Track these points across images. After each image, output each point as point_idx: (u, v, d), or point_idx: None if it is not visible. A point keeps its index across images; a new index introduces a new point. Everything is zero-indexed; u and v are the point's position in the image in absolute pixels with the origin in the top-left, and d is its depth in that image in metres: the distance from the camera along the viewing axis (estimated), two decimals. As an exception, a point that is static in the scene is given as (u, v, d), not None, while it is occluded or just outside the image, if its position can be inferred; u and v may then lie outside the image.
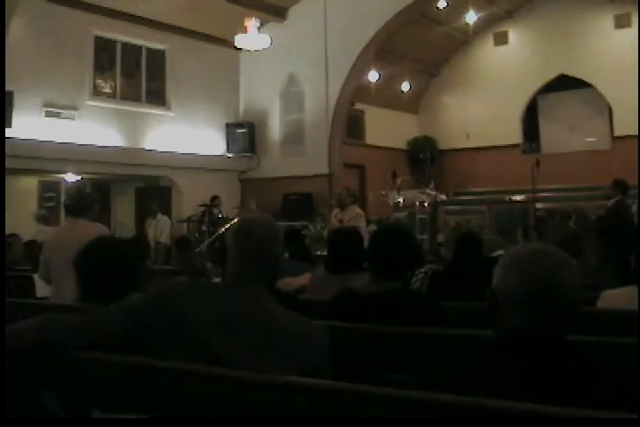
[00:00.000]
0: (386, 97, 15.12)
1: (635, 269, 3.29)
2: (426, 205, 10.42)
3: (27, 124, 10.29)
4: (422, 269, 4.24)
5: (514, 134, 15.73)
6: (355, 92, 13.52)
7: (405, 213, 11.06)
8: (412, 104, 16.52)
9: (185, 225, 12.55)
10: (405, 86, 15.71)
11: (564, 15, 14.63)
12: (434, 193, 10.36)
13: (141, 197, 13.30)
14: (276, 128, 13.83)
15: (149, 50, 12.77)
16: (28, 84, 10.30)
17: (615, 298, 3.05)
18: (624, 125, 14.03)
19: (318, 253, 6.60)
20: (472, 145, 15.46)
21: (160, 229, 11.45)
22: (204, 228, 11.67)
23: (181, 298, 1.86)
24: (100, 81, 12.05)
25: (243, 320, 1.80)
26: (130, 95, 12.48)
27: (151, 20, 12.18)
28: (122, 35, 12.10)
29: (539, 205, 11.22)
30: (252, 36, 11.50)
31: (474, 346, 1.92)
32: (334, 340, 1.93)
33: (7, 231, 6.39)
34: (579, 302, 1.50)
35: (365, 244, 3.12)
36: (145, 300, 1.93)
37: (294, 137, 13.59)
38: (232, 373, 1.60)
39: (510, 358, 1.45)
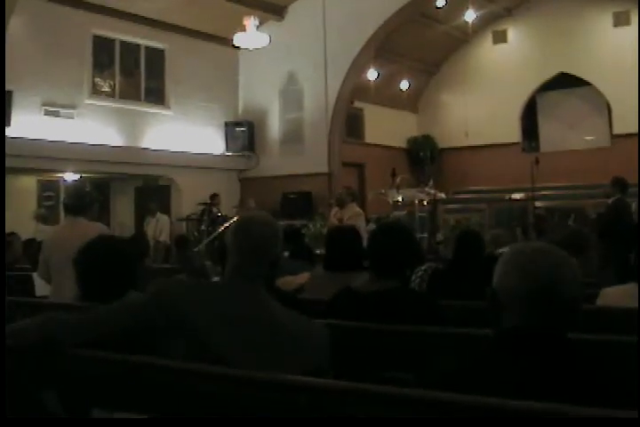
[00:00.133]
0: (385, 95, 15.11)
1: (634, 267, 3.29)
2: (425, 203, 10.41)
3: (26, 123, 10.29)
4: (422, 268, 4.24)
5: (513, 133, 15.71)
6: (354, 91, 13.52)
7: (405, 212, 11.07)
8: (411, 103, 16.51)
9: (184, 224, 12.56)
10: (405, 85, 15.69)
11: (563, 13, 14.61)
12: (433, 191, 10.34)
13: (140, 195, 13.30)
14: (275, 127, 13.82)
15: (148, 48, 12.76)
16: (27, 83, 10.30)
17: (615, 296, 3.06)
18: (623, 124, 14.00)
19: (318, 251, 6.59)
20: (471, 143, 15.44)
21: (159, 227, 11.44)
22: (203, 227, 11.65)
23: (181, 297, 1.85)
24: (98, 80, 12.03)
25: (242, 318, 1.80)
26: (129, 94, 12.47)
27: (150, 19, 12.18)
28: (121, 33, 12.09)
29: (538, 204, 11.22)
30: (251, 35, 11.50)
31: (473, 344, 1.92)
32: (333, 338, 1.92)
33: (6, 230, 6.38)
34: (579, 300, 1.50)
35: (365, 242, 3.12)
36: (145, 299, 1.92)
37: (293, 136, 13.58)
38: (232, 372, 1.59)
39: (510, 357, 1.45)
